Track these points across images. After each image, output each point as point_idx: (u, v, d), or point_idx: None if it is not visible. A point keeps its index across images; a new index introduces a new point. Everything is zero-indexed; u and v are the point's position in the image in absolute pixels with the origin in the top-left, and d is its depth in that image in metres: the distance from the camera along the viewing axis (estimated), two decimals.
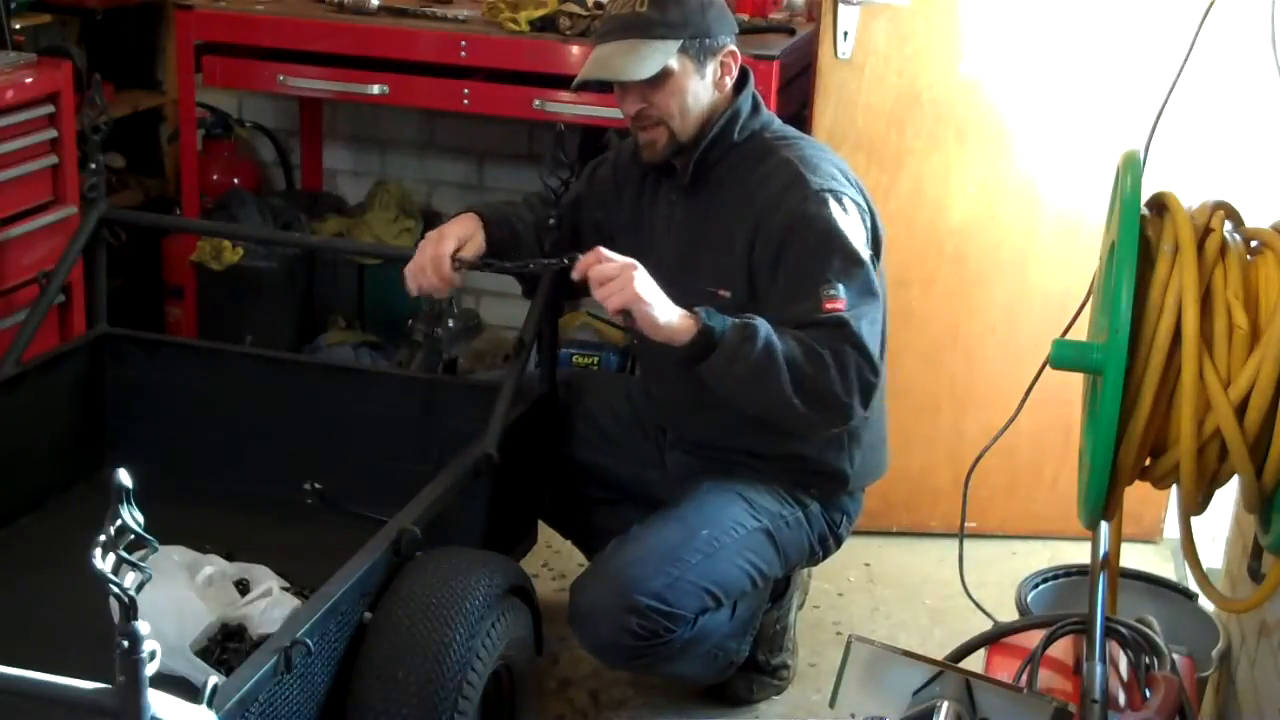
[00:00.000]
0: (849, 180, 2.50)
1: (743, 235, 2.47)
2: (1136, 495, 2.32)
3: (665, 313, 2.31)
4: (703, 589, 2.44)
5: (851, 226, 2.41)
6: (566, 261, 2.40)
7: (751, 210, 2.46)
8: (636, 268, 2.31)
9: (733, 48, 2.50)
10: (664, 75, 2.45)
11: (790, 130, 2.60)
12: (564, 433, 2.82)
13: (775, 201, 2.44)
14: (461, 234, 2.57)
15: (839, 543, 2.70)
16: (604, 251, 2.34)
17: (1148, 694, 1.97)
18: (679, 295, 2.50)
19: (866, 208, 2.50)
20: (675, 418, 2.65)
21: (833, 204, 2.41)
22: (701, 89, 2.48)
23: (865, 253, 2.42)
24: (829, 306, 2.34)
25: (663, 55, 2.43)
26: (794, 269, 2.41)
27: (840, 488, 2.63)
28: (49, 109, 3.25)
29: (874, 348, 2.38)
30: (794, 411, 2.33)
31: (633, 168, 2.67)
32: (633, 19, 2.45)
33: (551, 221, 2.62)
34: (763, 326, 2.30)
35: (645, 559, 2.41)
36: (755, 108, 2.57)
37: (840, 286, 2.35)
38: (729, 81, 2.51)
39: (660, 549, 2.43)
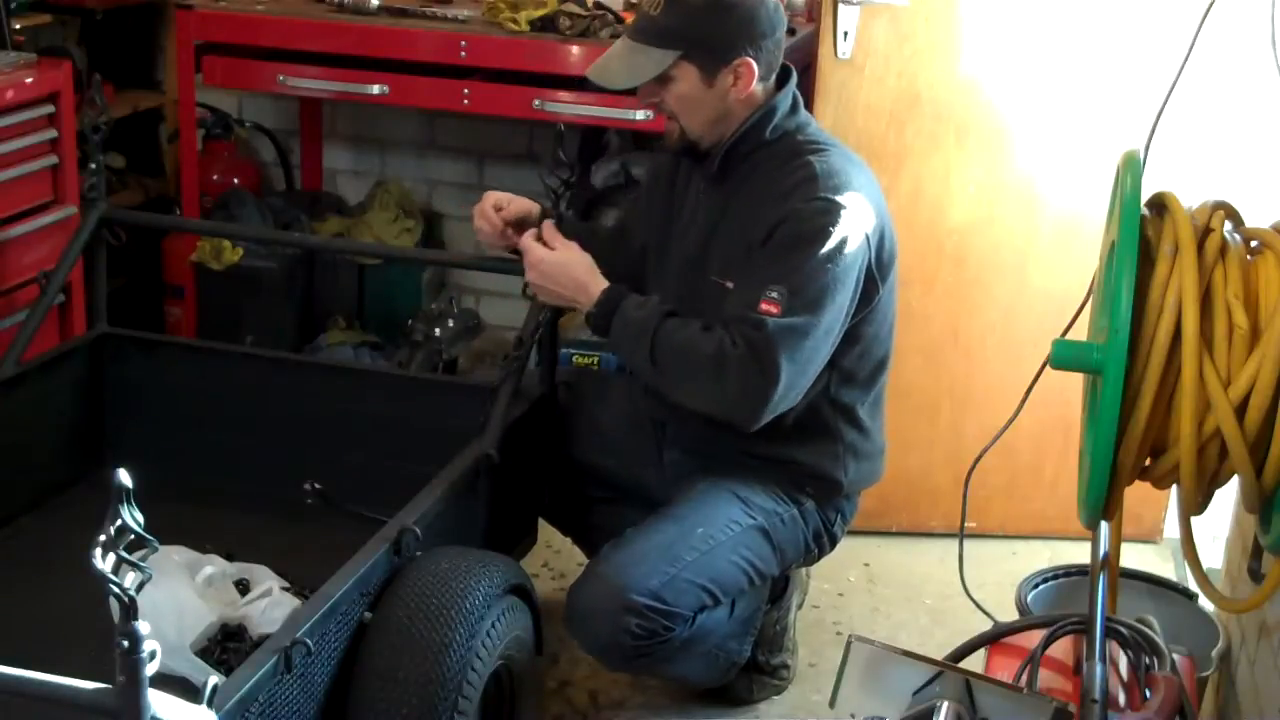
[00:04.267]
0: (866, 197, 2.45)
1: (750, 230, 2.47)
2: (1136, 495, 2.31)
3: (560, 306, 2.62)
4: (700, 587, 2.44)
5: (840, 242, 2.38)
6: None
7: (763, 208, 2.46)
8: (546, 265, 2.51)
9: (747, 59, 2.44)
10: (666, 79, 2.45)
11: (826, 137, 2.57)
12: (563, 433, 2.82)
13: (783, 200, 2.44)
14: (505, 197, 2.67)
15: (834, 541, 2.70)
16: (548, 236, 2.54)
17: (1148, 694, 1.97)
18: (691, 283, 2.56)
19: (877, 227, 2.47)
20: (673, 413, 2.64)
21: (830, 214, 2.39)
22: (710, 96, 2.47)
23: (835, 269, 2.38)
24: (762, 306, 2.36)
25: (655, 65, 2.44)
26: (764, 259, 2.42)
27: (835, 491, 2.63)
28: (49, 109, 3.25)
29: (788, 361, 2.35)
30: (675, 398, 2.49)
31: (672, 155, 2.69)
32: (645, 23, 2.47)
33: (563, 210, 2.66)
34: (640, 317, 2.45)
35: (641, 559, 2.41)
36: (794, 108, 2.55)
37: (784, 292, 2.35)
38: (747, 88, 2.46)
39: (656, 548, 2.43)
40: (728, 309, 2.43)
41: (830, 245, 2.38)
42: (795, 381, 2.39)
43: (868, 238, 2.44)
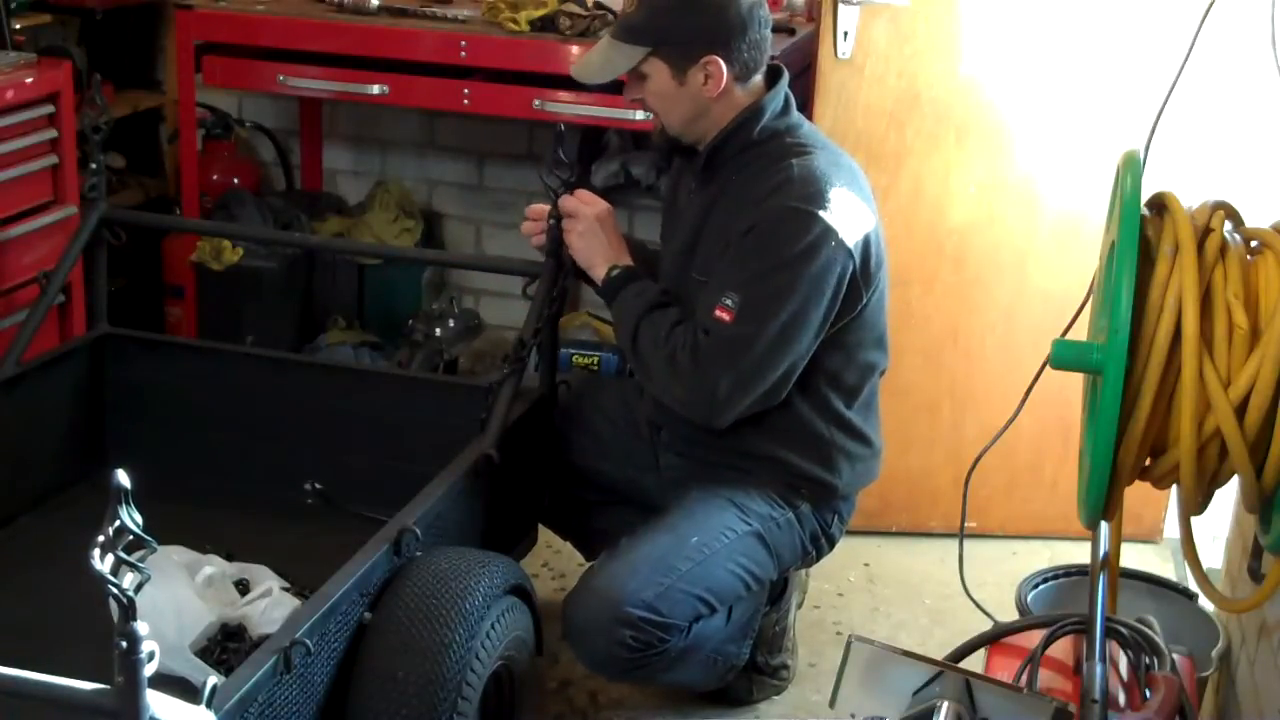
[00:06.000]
0: (847, 203, 2.44)
1: (731, 233, 2.47)
2: (1136, 495, 2.31)
3: (589, 262, 2.62)
4: (695, 596, 2.44)
5: (805, 250, 2.37)
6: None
7: (745, 212, 2.46)
8: (587, 220, 2.59)
9: (716, 58, 2.45)
10: (642, 76, 2.49)
11: (818, 139, 2.56)
12: (561, 438, 2.82)
13: (759, 204, 2.44)
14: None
15: (832, 543, 2.70)
16: (585, 194, 2.63)
17: (1148, 694, 1.97)
18: (679, 281, 2.59)
19: (861, 234, 2.45)
20: (669, 416, 2.64)
21: (797, 221, 2.38)
22: (683, 94, 2.48)
23: (797, 278, 2.37)
24: (716, 313, 2.41)
25: (626, 61, 2.48)
26: (729, 260, 2.44)
27: (830, 494, 2.63)
28: (49, 109, 3.25)
29: (728, 370, 2.39)
30: (647, 384, 2.58)
31: (673, 157, 2.73)
32: (623, 20, 2.53)
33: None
34: (632, 305, 2.52)
35: (635, 570, 2.40)
36: (786, 108, 2.55)
37: (738, 300, 2.38)
38: (718, 87, 2.46)
39: (650, 559, 2.43)
40: (697, 310, 2.47)
41: (792, 253, 2.37)
42: (742, 389, 2.42)
43: (845, 245, 2.41)
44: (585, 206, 2.61)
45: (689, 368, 2.43)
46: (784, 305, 2.38)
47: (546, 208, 2.66)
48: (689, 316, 2.49)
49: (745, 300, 2.38)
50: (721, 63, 2.46)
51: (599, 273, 2.61)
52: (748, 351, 2.39)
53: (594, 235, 2.60)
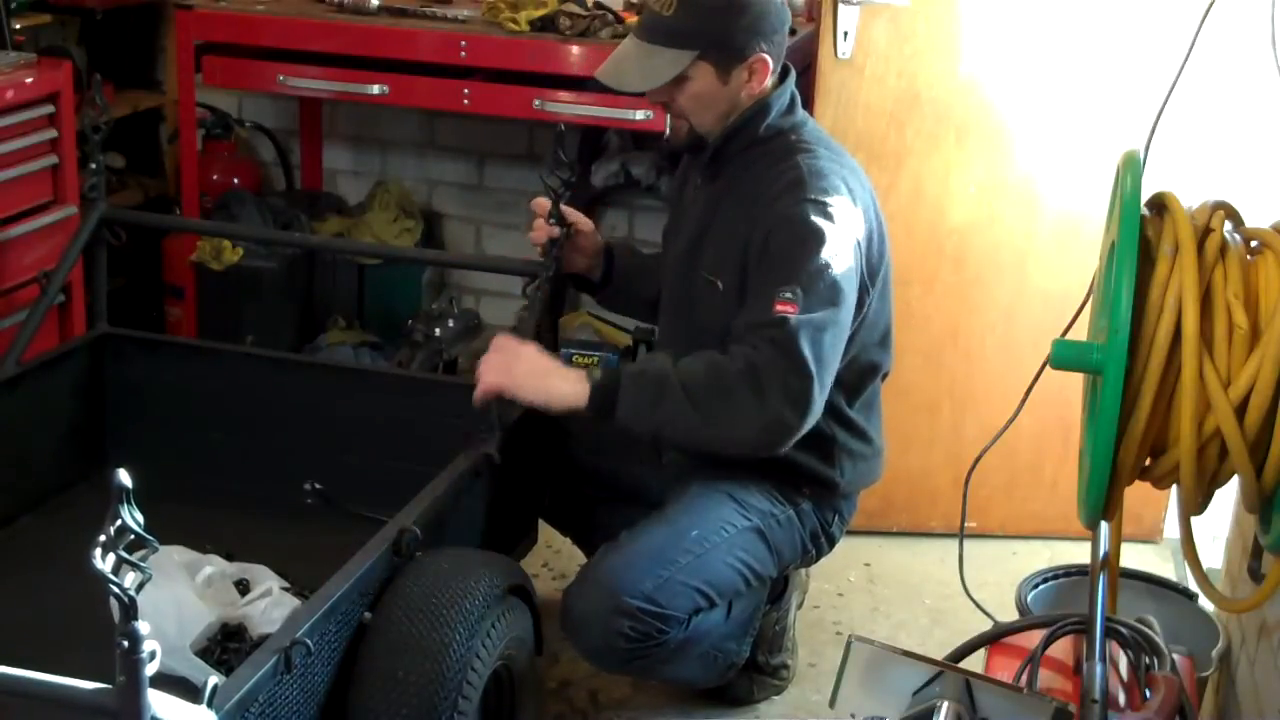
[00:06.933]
0: (854, 201, 2.46)
1: (742, 230, 2.48)
2: (1136, 495, 2.32)
3: (544, 392, 2.44)
4: (693, 589, 2.44)
5: (836, 241, 2.38)
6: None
7: (755, 208, 2.47)
8: (505, 356, 2.48)
9: (763, 55, 2.46)
10: (682, 80, 2.46)
11: (821, 136, 2.57)
12: (563, 434, 2.82)
13: (772, 202, 2.44)
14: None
15: (832, 542, 2.70)
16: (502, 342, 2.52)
17: (1148, 694, 1.97)
18: (684, 280, 2.58)
19: (866, 231, 2.47)
20: None
21: (821, 213, 2.39)
22: (725, 94, 2.48)
23: (840, 267, 2.37)
24: (779, 309, 2.33)
25: (672, 67, 2.44)
26: (765, 269, 2.41)
27: (832, 492, 2.63)
28: (49, 109, 3.25)
29: (814, 355, 2.32)
30: (719, 441, 2.38)
31: (679, 154, 2.72)
32: (657, 22, 2.47)
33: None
34: (653, 368, 2.38)
35: (634, 562, 2.41)
36: (791, 107, 2.55)
37: (798, 291, 2.34)
38: (760, 85, 2.48)
39: (649, 551, 2.43)
40: (740, 323, 2.40)
41: (829, 243, 2.37)
42: (825, 376, 2.36)
43: (858, 241, 2.44)
44: (503, 353, 2.50)
45: (777, 363, 2.30)
46: (840, 290, 2.37)
47: (548, 202, 2.65)
48: (700, 322, 2.46)
49: (803, 289, 2.34)
50: (769, 60, 2.46)
51: (575, 389, 2.41)
52: (825, 333, 2.34)
53: (534, 370, 2.47)
